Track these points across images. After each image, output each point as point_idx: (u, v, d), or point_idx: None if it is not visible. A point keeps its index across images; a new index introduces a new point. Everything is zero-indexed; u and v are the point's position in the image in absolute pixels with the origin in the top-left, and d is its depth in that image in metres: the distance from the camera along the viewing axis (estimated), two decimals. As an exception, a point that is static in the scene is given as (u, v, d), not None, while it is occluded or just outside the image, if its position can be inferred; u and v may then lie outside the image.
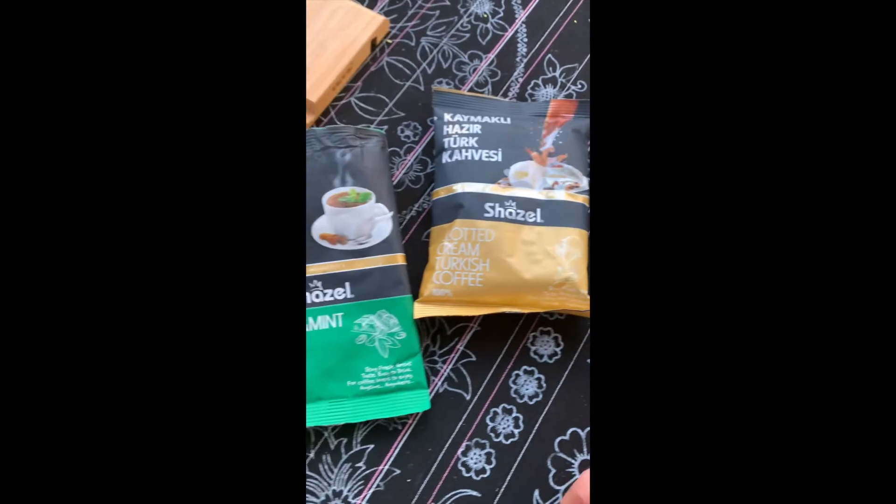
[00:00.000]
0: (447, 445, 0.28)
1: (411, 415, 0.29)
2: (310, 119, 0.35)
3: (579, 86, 0.36)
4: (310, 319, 0.29)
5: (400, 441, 0.29)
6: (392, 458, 0.28)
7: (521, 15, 0.38)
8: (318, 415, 0.28)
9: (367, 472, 0.28)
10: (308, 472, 0.28)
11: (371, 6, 0.38)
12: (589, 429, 0.29)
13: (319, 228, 0.29)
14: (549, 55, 0.37)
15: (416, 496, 0.27)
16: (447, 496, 0.28)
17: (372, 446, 0.28)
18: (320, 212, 0.29)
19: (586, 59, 0.37)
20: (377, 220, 0.29)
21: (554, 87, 0.36)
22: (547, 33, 0.38)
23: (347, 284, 0.29)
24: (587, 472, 0.24)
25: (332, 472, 0.28)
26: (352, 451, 0.28)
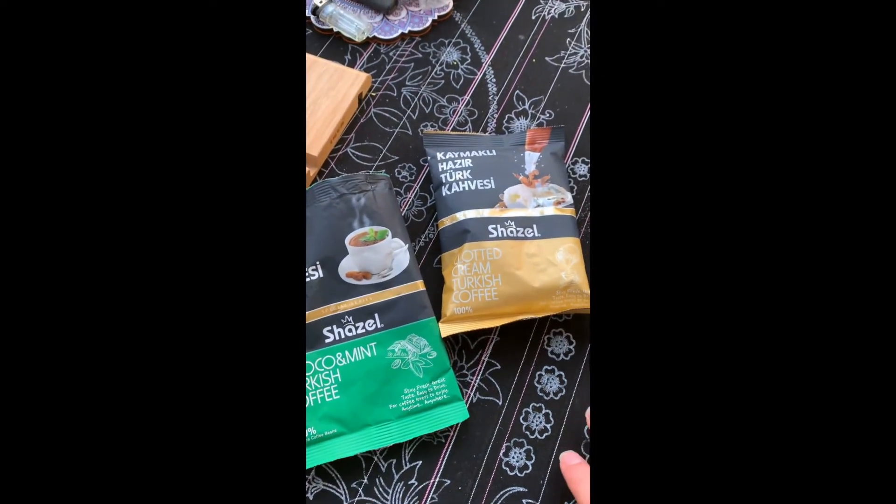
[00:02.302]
0: (489, 449, 0.31)
1: (452, 427, 0.31)
2: (313, 171, 0.37)
3: (547, 115, 0.41)
4: (346, 352, 0.31)
5: (445, 453, 0.31)
6: (441, 470, 0.30)
7: (487, 59, 0.43)
8: (367, 440, 0.30)
9: (420, 487, 0.30)
10: (364, 497, 0.29)
11: (352, 65, 0.42)
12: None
13: (345, 268, 0.32)
14: (517, 91, 0.42)
15: (469, 501, 0.30)
16: (497, 496, 0.30)
17: (420, 462, 0.30)
18: (344, 253, 0.32)
19: (549, 91, 0.42)
20: (395, 253, 0.32)
21: (526, 119, 0.41)
22: (511, 73, 0.43)
23: (377, 315, 0.31)
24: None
25: (388, 492, 0.30)
26: (403, 471, 0.30)
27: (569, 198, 0.36)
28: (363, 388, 0.30)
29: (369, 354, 0.31)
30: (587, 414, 0.30)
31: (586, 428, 0.31)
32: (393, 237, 0.33)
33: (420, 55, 0.43)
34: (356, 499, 0.29)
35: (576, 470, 0.28)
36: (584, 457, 0.30)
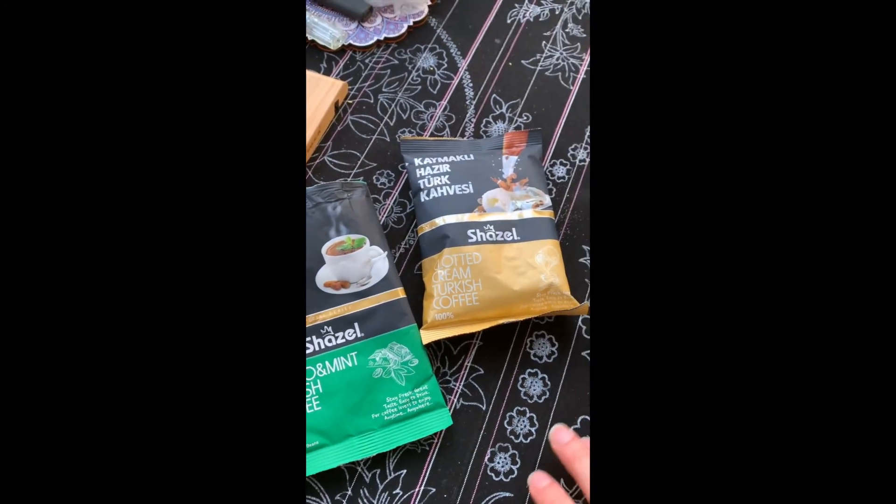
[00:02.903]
0: (474, 455, 0.31)
1: (436, 434, 0.31)
2: (290, 181, 0.37)
3: (525, 118, 0.41)
4: (326, 363, 0.30)
5: (430, 461, 0.30)
6: (426, 479, 0.30)
7: (463, 64, 0.43)
8: (350, 451, 0.29)
9: (405, 496, 0.30)
10: (349, 509, 0.29)
11: (328, 73, 0.42)
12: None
13: (323, 278, 0.32)
14: (494, 95, 0.42)
15: (455, 509, 0.29)
16: (483, 502, 0.30)
17: (405, 471, 0.30)
18: (321, 262, 0.32)
19: (526, 94, 0.42)
20: (374, 261, 0.32)
21: (503, 122, 0.41)
22: (488, 77, 0.43)
23: (356, 324, 0.31)
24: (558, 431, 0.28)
25: (373, 503, 0.29)
26: (387, 480, 0.30)
27: (547, 200, 0.36)
28: (345, 399, 0.30)
29: (350, 364, 0.30)
30: (553, 436, 0.29)
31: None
32: (371, 245, 0.32)
33: (396, 61, 0.43)
34: (340, 511, 0.29)
35: (570, 447, 0.27)
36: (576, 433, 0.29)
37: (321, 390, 0.30)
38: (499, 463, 0.31)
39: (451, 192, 0.35)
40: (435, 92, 0.42)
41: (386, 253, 0.33)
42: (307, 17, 0.43)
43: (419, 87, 0.42)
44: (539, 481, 0.28)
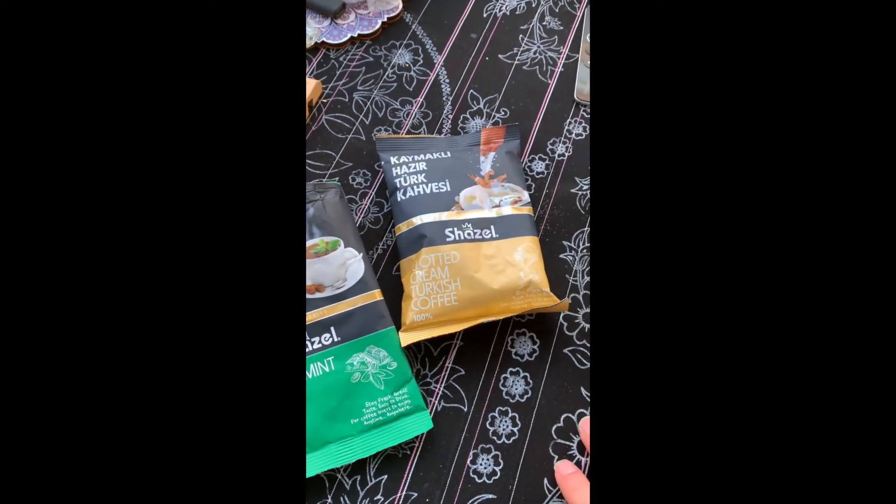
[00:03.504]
0: (456, 458, 0.30)
1: (417, 438, 0.30)
2: (264, 183, 0.36)
3: (503, 113, 0.41)
4: (303, 369, 0.30)
5: (411, 465, 0.30)
6: (407, 483, 0.29)
7: (439, 59, 0.42)
8: (329, 458, 0.29)
9: (387, 502, 0.29)
10: (329, 517, 0.29)
11: (301, 72, 0.41)
12: (580, 411, 0.32)
13: (297, 281, 0.31)
14: (471, 90, 0.41)
15: (438, 513, 0.29)
16: (466, 505, 0.29)
17: (385, 477, 0.30)
18: (295, 266, 0.31)
19: (504, 89, 0.41)
20: (349, 263, 0.32)
21: (481, 118, 0.40)
22: (465, 72, 0.42)
23: (332, 329, 0.30)
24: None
25: (353, 510, 0.29)
26: (368, 487, 0.29)
27: (525, 196, 0.35)
28: (322, 405, 0.29)
29: (327, 370, 0.30)
30: (581, 427, 0.30)
31: (578, 440, 0.31)
32: (346, 247, 0.32)
33: (371, 59, 0.42)
34: (321, 519, 0.29)
35: (571, 479, 0.28)
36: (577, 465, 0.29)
37: (298, 397, 0.29)
38: (481, 465, 0.30)
39: (428, 191, 0.34)
40: (411, 89, 0.41)
41: (361, 254, 0.32)
42: (278, 15, 0.42)
43: (395, 85, 0.41)
44: (564, 468, 0.29)
